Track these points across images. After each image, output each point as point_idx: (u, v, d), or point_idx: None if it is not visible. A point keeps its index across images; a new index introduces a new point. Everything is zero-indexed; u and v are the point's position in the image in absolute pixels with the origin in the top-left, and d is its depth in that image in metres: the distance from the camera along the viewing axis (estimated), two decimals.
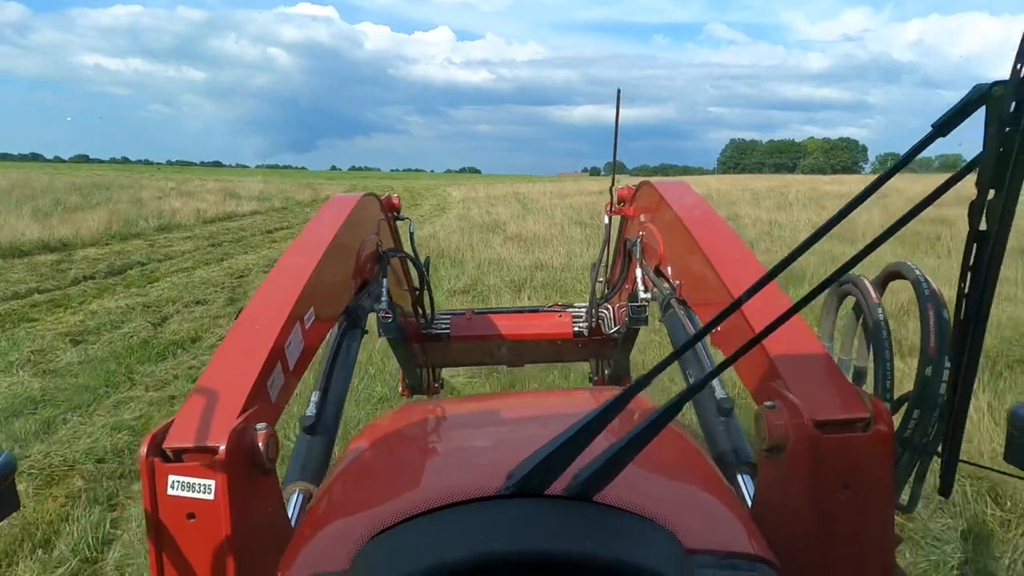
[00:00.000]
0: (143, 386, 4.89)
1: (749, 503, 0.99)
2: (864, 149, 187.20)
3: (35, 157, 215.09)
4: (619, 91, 1.92)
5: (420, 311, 2.33)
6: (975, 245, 0.59)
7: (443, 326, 2.44)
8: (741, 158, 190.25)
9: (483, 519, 0.61)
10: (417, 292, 2.28)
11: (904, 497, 0.96)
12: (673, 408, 0.62)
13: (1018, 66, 0.51)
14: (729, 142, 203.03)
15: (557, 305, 2.57)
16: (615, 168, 2.06)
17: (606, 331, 2.33)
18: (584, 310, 2.44)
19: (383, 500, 0.73)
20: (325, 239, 1.36)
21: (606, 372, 2.73)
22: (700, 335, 0.68)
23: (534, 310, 2.61)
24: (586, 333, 2.41)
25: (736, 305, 0.63)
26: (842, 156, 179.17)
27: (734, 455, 1.13)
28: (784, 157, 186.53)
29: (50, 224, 12.82)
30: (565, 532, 0.58)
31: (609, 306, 2.30)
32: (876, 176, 0.60)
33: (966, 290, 0.61)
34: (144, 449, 0.80)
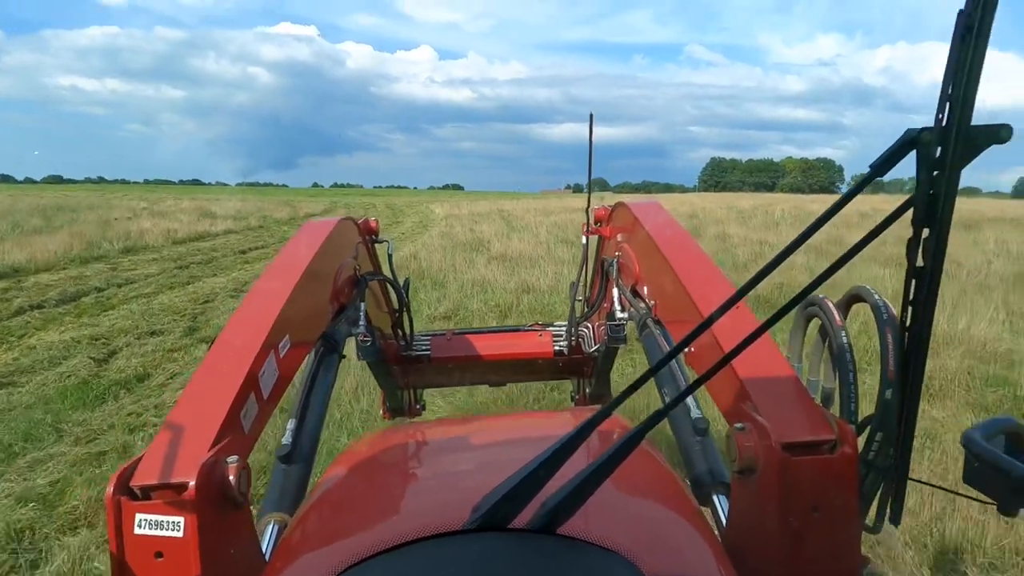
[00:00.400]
0: (70, 439, 4.20)
1: (724, 523, 0.99)
2: (840, 169, 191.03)
3: (5, 179, 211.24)
4: (592, 115, 1.89)
5: (400, 333, 2.29)
6: (913, 280, 0.63)
7: (423, 347, 2.40)
8: (721, 176, 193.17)
9: (446, 555, 0.60)
10: (397, 314, 2.24)
11: (870, 518, 0.96)
12: (638, 435, 0.62)
13: (939, 115, 0.55)
14: (709, 160, 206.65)
15: (537, 324, 2.54)
16: (590, 189, 2.02)
17: (586, 350, 2.30)
18: (564, 329, 2.41)
19: (350, 534, 0.75)
20: (301, 264, 1.34)
21: (587, 391, 2.66)
22: (671, 355, 0.71)
23: (514, 329, 2.57)
24: (566, 352, 2.39)
25: (706, 324, 0.64)
26: (819, 176, 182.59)
27: (710, 475, 1.12)
28: (763, 176, 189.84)
29: (1, 249, 12.00)
30: (526, 568, 0.57)
31: (589, 325, 2.26)
32: (835, 200, 0.61)
33: (908, 322, 0.65)
34: (110, 489, 0.78)
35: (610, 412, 0.65)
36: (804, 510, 0.81)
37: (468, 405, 4.61)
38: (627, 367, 5.28)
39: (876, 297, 0.99)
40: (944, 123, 0.54)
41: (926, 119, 0.56)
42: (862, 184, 0.60)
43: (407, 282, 2.17)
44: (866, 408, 1.00)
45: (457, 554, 0.60)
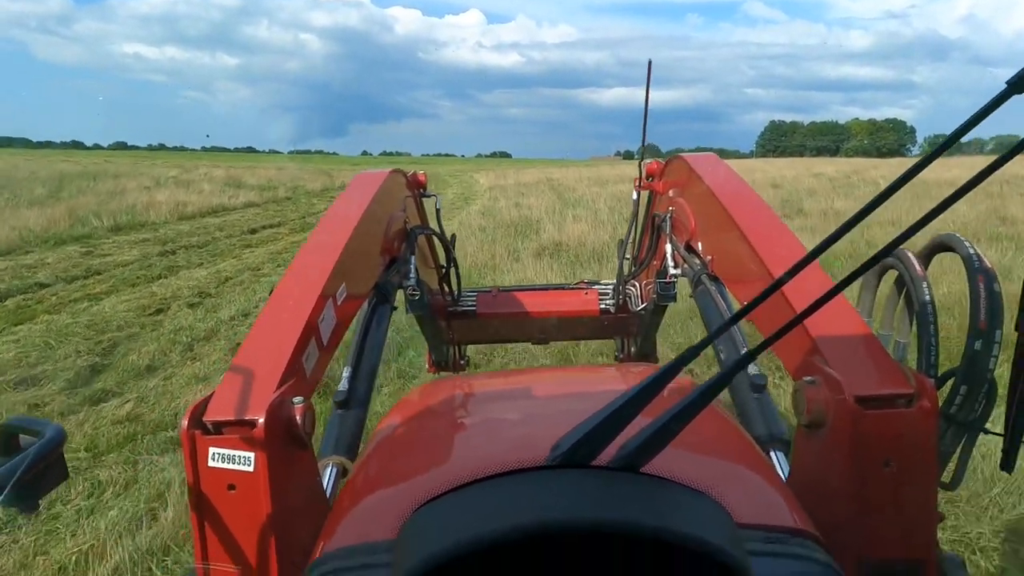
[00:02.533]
0: None
1: (784, 479, 0.98)
2: (912, 130, 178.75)
3: (76, 144, 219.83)
4: (650, 62, 1.84)
5: (447, 288, 2.30)
6: None
7: (469, 303, 2.42)
8: (781, 140, 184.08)
9: (532, 489, 0.60)
10: (444, 269, 2.25)
11: (947, 474, 0.93)
12: (720, 382, 0.62)
13: None
14: (768, 123, 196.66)
15: (583, 283, 2.52)
16: (644, 141, 1.90)
17: (633, 308, 2.28)
18: (610, 287, 2.39)
19: (427, 471, 0.74)
20: (355, 215, 1.35)
21: (632, 349, 2.60)
22: (741, 314, 0.69)
23: (560, 287, 2.56)
24: (612, 310, 2.38)
25: (777, 285, 0.62)
26: (888, 138, 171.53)
27: (767, 431, 1.10)
28: (827, 139, 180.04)
29: None
30: (617, 502, 0.56)
31: (636, 283, 2.23)
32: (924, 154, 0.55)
33: None
34: (185, 422, 0.81)
35: (691, 360, 0.63)
36: (876, 464, 0.79)
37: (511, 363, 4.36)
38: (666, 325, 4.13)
39: (967, 245, 0.94)
40: None
41: (1010, 71, 0.49)
42: (993, 105, 0.51)
43: (453, 237, 2.15)
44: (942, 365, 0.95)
45: (544, 487, 0.59)
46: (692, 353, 0.62)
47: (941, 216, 0.54)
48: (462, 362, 2.75)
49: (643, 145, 1.92)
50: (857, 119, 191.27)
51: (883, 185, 0.59)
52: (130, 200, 15.87)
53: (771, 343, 0.65)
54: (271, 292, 1.11)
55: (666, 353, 4.16)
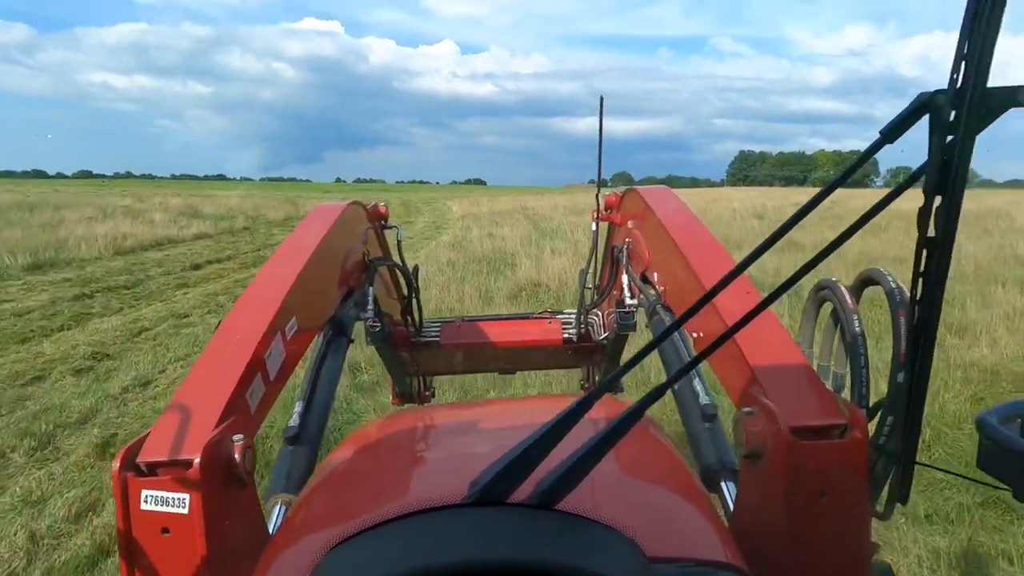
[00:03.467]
0: None
1: (731, 509, 0.99)
2: (875, 163, 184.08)
3: (38, 174, 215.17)
4: (602, 98, 1.91)
5: (409, 319, 2.28)
6: (924, 251, 0.60)
7: (433, 334, 2.40)
8: (750, 170, 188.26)
9: (440, 528, 0.59)
10: (406, 300, 2.24)
11: (880, 504, 0.94)
12: (637, 411, 0.62)
13: (955, 76, 0.52)
14: (738, 154, 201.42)
15: (546, 312, 2.54)
16: (600, 175, 1.99)
17: (595, 337, 2.29)
18: (573, 316, 2.39)
19: (350, 510, 0.75)
20: (309, 247, 1.34)
21: (597, 378, 2.67)
22: (673, 327, 0.70)
23: (524, 317, 2.56)
24: (575, 339, 2.37)
25: (707, 298, 0.63)
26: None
27: (719, 462, 1.10)
28: (794, 169, 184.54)
29: None
30: (522, 540, 0.56)
31: (599, 312, 2.25)
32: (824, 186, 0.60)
33: (918, 296, 0.64)
34: (117, 463, 0.78)
35: (608, 388, 0.66)
36: (812, 494, 0.80)
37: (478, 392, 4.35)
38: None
39: (890, 280, 0.96)
40: (959, 85, 0.52)
41: None
42: (870, 152, 0.58)
43: (416, 268, 2.15)
44: (877, 395, 0.99)
45: (454, 526, 0.59)
46: (613, 379, 0.67)
47: (953, 254, 0.58)
48: (427, 393, 2.71)
49: (599, 179, 1.98)
50: (823, 150, 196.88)
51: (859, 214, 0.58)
52: (63, 233, 14.37)
53: (702, 358, 0.68)
54: (217, 327, 1.07)
55: (629, 383, 4.15)
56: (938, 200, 0.56)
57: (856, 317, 1.03)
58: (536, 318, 2.49)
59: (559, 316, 2.46)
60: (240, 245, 15.63)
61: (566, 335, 2.39)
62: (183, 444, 0.79)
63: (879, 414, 0.93)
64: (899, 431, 0.84)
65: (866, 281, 1.06)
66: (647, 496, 0.81)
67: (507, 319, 2.56)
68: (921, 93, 0.54)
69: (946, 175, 0.54)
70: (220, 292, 9.23)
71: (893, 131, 0.56)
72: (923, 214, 0.57)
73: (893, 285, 0.95)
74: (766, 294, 0.64)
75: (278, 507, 1.03)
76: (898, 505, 0.86)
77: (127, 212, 21.32)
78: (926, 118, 0.55)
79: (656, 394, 0.63)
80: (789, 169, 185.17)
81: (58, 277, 10.14)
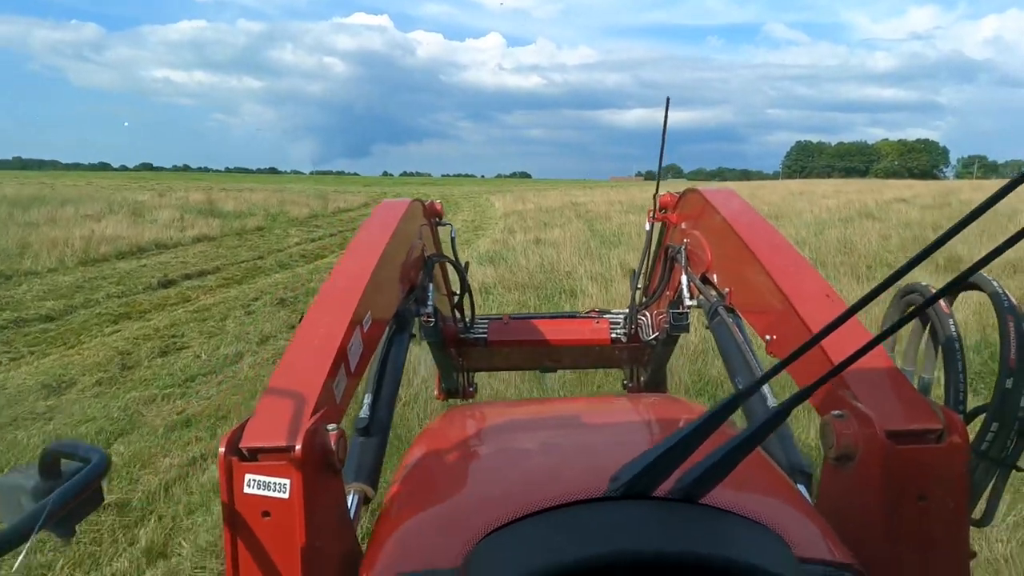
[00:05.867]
0: None
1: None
2: (945, 151, 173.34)
3: (103, 166, 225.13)
4: (668, 99, 1.83)
5: (459, 315, 2.27)
6: None
7: (481, 331, 2.38)
8: (807, 161, 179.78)
9: (597, 520, 0.60)
10: (457, 296, 2.25)
11: (979, 511, 0.93)
12: (781, 415, 0.62)
13: None
14: (795, 144, 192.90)
15: (594, 311, 2.48)
16: (659, 176, 1.98)
17: (644, 338, 2.26)
18: (622, 316, 2.37)
19: (482, 501, 0.76)
20: (380, 243, 1.36)
21: (641, 379, 2.57)
22: (783, 364, 0.69)
23: (571, 315, 2.49)
24: (624, 339, 2.35)
25: (818, 338, 0.62)
26: (920, 159, 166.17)
27: (788, 464, 1.09)
28: (855, 160, 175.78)
29: None
30: (681, 533, 0.57)
31: (648, 313, 2.23)
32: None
33: None
34: (222, 448, 0.81)
35: (749, 396, 0.65)
36: (910, 499, 0.79)
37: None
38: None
39: (995, 284, 0.94)
40: None
41: None
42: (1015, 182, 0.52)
43: (467, 265, 2.16)
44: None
45: (608, 519, 0.59)
46: (754, 388, 0.66)
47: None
48: (471, 389, 2.66)
49: (658, 180, 1.97)
50: (887, 139, 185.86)
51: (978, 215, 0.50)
52: (38, 236, 12.18)
53: (786, 364, 0.67)
54: (300, 319, 1.10)
55: (673, 384, 4.01)
56: None
57: (952, 320, 1.00)
58: (584, 317, 2.44)
59: (607, 315, 2.41)
60: (240, 251, 13.14)
61: (614, 335, 2.34)
62: (283, 431, 0.81)
63: (978, 420, 0.91)
64: (1007, 439, 0.85)
65: (964, 286, 1.02)
66: (770, 497, 0.82)
67: (555, 317, 2.47)
68: None
69: None
70: (163, 331, 6.59)
71: None
72: None
73: (999, 289, 0.92)
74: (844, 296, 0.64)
75: (352, 495, 1.03)
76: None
77: (136, 209, 19.28)
78: None
79: (802, 396, 0.63)
80: (849, 160, 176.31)
81: None
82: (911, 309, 1.10)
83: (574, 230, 14.90)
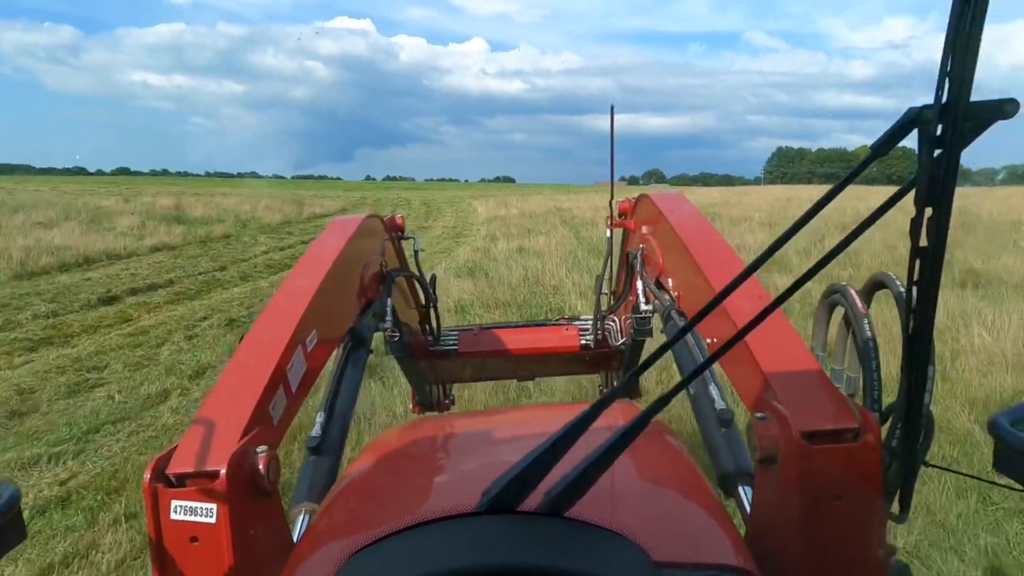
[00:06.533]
0: None
1: (748, 513, 1.01)
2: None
3: (80, 171, 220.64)
4: (612, 107, 1.95)
5: (428, 328, 2.27)
6: (917, 260, 0.62)
7: (451, 342, 2.39)
8: (788, 167, 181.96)
9: (451, 536, 0.61)
10: (424, 310, 2.22)
11: (895, 507, 0.94)
12: (645, 417, 0.62)
13: (940, 93, 0.54)
14: (776, 150, 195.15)
15: (563, 319, 2.51)
16: (612, 183, 2.01)
17: (612, 343, 2.25)
18: (590, 323, 2.38)
19: (366, 520, 0.80)
20: (327, 261, 1.35)
21: (615, 384, 2.60)
22: (684, 331, 0.80)
23: (541, 324, 2.53)
24: (592, 346, 2.37)
25: (716, 302, 0.64)
26: (898, 166, 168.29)
27: (735, 466, 1.10)
28: (835, 166, 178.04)
29: None
30: (528, 546, 0.58)
31: (615, 318, 2.21)
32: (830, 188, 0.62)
33: (912, 304, 0.65)
34: (147, 475, 0.80)
35: (618, 394, 0.62)
36: (826, 499, 0.80)
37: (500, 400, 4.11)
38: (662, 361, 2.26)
39: (899, 283, 0.97)
40: (944, 100, 0.54)
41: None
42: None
43: (434, 278, 2.17)
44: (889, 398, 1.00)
45: (462, 535, 0.60)
46: (628, 380, 0.68)
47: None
48: (447, 401, 2.67)
49: (612, 186, 1.96)
50: (865, 146, 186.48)
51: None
52: None
53: (712, 362, 0.68)
54: (240, 340, 1.07)
55: (650, 387, 3.97)
56: (929, 211, 0.58)
57: (867, 321, 1.02)
58: (553, 325, 2.46)
59: (576, 323, 2.42)
60: (200, 262, 12.15)
61: (583, 342, 2.36)
62: (209, 456, 0.80)
63: (891, 418, 0.93)
64: (902, 435, 0.89)
65: (876, 285, 1.06)
66: (657, 502, 0.82)
67: (524, 326, 2.49)
68: (909, 108, 0.56)
69: (935, 187, 0.56)
70: (82, 362, 5.64)
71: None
72: (915, 224, 0.59)
73: (902, 289, 0.93)
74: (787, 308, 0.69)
75: (302, 516, 1.03)
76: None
77: (94, 216, 18.13)
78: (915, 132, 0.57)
79: (666, 399, 0.63)
80: (830, 166, 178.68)
81: None
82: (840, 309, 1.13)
83: (560, 237, 14.11)
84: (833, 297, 1.13)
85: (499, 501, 0.60)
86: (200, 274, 10.81)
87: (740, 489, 1.05)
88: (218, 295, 9.13)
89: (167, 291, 9.24)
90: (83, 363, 5.60)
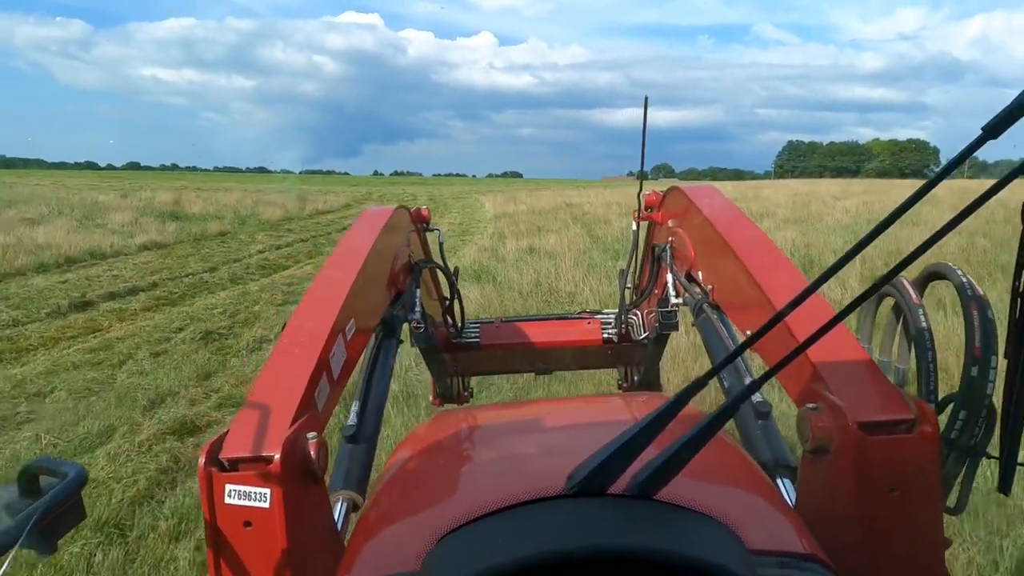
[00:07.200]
0: None
1: (792, 504, 1.01)
2: (935, 151, 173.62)
3: (90, 165, 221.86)
4: (647, 98, 1.93)
5: (450, 320, 2.29)
6: None
7: (473, 335, 2.40)
8: (799, 161, 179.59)
9: (550, 518, 0.61)
10: (447, 301, 2.25)
11: (952, 499, 0.94)
12: (727, 411, 0.63)
13: None
14: (786, 144, 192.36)
15: (586, 312, 2.52)
16: (642, 176, 2.01)
17: (635, 337, 2.26)
18: (613, 316, 2.40)
19: (446, 504, 0.76)
20: (363, 251, 1.37)
21: (635, 378, 2.61)
22: (744, 345, 0.74)
23: (563, 317, 2.55)
24: (615, 339, 2.38)
25: (779, 317, 0.64)
26: (910, 158, 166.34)
27: (772, 458, 1.10)
28: (846, 160, 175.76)
29: None
30: (631, 529, 0.58)
31: (638, 312, 2.21)
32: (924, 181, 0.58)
33: (1021, 288, 0.64)
34: (202, 459, 0.81)
35: (700, 388, 0.64)
36: (881, 490, 0.79)
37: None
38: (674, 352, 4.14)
39: (960, 274, 0.95)
40: None
41: None
42: (970, 150, 0.55)
43: (456, 270, 2.17)
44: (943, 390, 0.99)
45: (560, 517, 0.61)
46: (700, 383, 0.65)
47: None
48: (466, 393, 2.69)
49: (641, 178, 1.99)
50: (878, 139, 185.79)
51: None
52: None
53: (775, 372, 0.67)
54: (282, 328, 1.09)
55: (670, 381, 3.91)
56: None
57: (922, 311, 1.02)
58: (575, 318, 2.48)
59: (598, 316, 2.44)
60: (190, 262, 11.42)
61: (606, 335, 2.37)
62: (263, 441, 0.81)
63: (948, 409, 0.92)
64: (975, 427, 0.87)
65: (931, 276, 1.05)
66: (733, 490, 0.82)
67: (547, 319, 2.52)
68: None
69: None
70: (23, 386, 4.88)
71: (996, 127, 0.55)
72: None
73: (963, 279, 0.94)
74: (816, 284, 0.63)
75: (340, 503, 1.04)
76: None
77: (88, 213, 17.47)
78: None
79: (743, 396, 0.64)
80: (841, 160, 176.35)
81: None
82: (892, 302, 1.13)
83: (572, 236, 13.28)
84: (884, 288, 1.07)
85: (588, 485, 0.60)
86: (187, 276, 10.09)
87: (779, 480, 1.03)
88: (202, 300, 8.39)
89: (147, 295, 8.51)
90: (25, 388, 4.86)
